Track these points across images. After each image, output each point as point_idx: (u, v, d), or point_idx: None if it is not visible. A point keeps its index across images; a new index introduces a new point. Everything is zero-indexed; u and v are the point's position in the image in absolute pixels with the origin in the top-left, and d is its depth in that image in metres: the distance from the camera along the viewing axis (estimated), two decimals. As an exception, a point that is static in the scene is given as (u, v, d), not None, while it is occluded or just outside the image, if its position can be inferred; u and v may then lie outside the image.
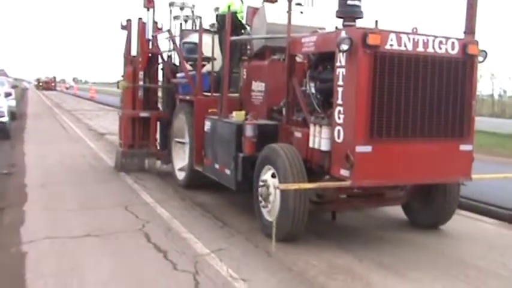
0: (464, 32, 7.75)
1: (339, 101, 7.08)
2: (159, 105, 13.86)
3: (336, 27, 9.16)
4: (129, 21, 13.21)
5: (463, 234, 8.62)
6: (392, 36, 6.93)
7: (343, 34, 6.98)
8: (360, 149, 6.82)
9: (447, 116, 7.33)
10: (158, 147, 13.39)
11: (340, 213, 8.88)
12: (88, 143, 19.16)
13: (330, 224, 8.59)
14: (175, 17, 13.54)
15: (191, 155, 10.83)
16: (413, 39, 7.05)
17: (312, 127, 7.70)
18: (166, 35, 12.62)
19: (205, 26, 11.47)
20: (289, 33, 8.50)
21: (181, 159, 11.63)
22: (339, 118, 7.08)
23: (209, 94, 10.77)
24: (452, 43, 7.30)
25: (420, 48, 7.08)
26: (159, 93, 13.97)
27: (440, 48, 7.20)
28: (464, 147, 7.54)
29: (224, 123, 9.37)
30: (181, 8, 13.61)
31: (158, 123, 13.36)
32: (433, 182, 7.78)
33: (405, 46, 6.99)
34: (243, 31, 10.73)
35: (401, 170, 7.15)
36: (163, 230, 8.24)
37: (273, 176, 7.67)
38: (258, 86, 9.74)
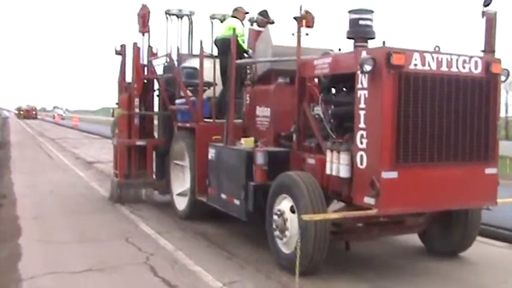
0: (483, 51, 7.41)
1: (361, 125, 6.70)
2: (155, 133, 13.40)
3: (339, 49, 8.89)
4: (123, 46, 12.79)
5: (479, 259, 8.30)
6: (416, 55, 6.60)
7: (364, 54, 6.62)
8: (386, 175, 6.43)
9: (472, 138, 7.00)
10: (155, 177, 12.90)
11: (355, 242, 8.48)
12: (77, 172, 18.68)
13: (344, 253, 8.16)
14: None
15: (193, 185, 10.36)
16: (437, 58, 6.73)
17: (328, 153, 7.28)
18: (162, 60, 12.27)
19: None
20: (299, 55, 8.16)
21: (180, 183, 11.18)
22: (362, 143, 6.69)
23: (211, 120, 10.36)
24: (476, 62, 6.99)
25: (444, 68, 6.76)
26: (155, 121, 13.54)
27: (464, 67, 6.89)
28: (489, 171, 7.21)
29: (232, 151, 8.93)
30: (179, 16, 13.22)
31: (154, 152, 12.88)
32: (460, 207, 7.46)
33: (429, 66, 6.66)
34: (245, 55, 10.41)
35: (428, 196, 6.79)
36: (170, 263, 7.81)
37: (291, 209, 7.22)
38: (263, 111, 9.37)
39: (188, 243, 9.04)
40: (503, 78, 7.31)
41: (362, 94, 6.70)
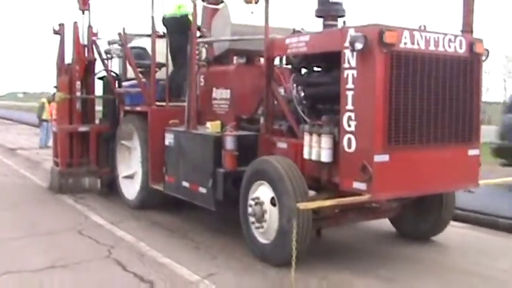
0: (462, 31, 7.24)
1: (349, 106, 6.33)
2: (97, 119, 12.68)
3: (294, 29, 8.55)
4: (62, 25, 11.92)
5: (447, 241, 8.22)
6: (406, 33, 6.28)
7: (352, 32, 6.24)
8: (378, 158, 6.10)
9: (457, 119, 6.80)
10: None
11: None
12: (3, 160, 17.72)
13: (316, 241, 7.83)
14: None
15: (145, 173, 9.80)
16: (425, 37, 6.45)
17: (307, 136, 6.89)
18: (104, 40, 11.59)
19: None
20: (267, 34, 7.73)
21: (126, 165, 10.65)
22: (349, 125, 6.33)
23: (164, 104, 9.82)
24: (460, 41, 6.77)
25: (432, 47, 6.49)
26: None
27: (449, 46, 6.65)
28: (472, 152, 7.05)
29: (196, 136, 8.40)
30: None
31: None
32: (446, 190, 7.35)
33: (418, 44, 6.37)
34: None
35: (418, 180, 6.53)
36: (136, 256, 7.29)
37: (272, 200, 6.79)
38: (221, 94, 8.95)
39: (147, 233, 8.54)
40: (483, 58, 7.15)
41: (350, 74, 6.31)
